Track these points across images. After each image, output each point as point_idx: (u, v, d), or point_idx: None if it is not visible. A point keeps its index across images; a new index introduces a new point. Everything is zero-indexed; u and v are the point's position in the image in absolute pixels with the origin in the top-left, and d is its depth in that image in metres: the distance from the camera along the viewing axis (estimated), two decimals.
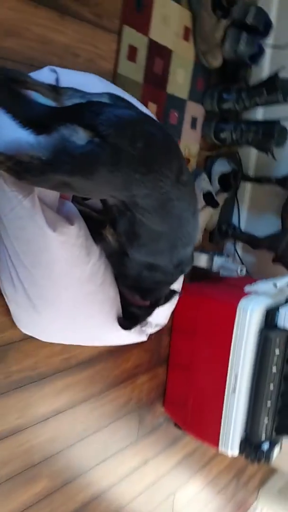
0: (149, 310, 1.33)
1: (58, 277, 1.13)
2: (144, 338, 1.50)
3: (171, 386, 1.96)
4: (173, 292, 1.37)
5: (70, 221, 1.11)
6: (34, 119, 0.91)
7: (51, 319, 1.21)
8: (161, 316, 1.52)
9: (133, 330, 1.40)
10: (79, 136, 0.88)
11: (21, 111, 0.91)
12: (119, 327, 1.33)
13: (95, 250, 1.20)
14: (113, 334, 1.35)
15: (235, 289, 1.86)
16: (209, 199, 1.74)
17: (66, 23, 1.23)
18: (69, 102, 0.99)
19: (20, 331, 1.29)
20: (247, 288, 1.79)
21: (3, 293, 1.22)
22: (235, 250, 2.03)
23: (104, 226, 1.15)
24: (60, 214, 1.11)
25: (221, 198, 1.81)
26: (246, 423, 1.75)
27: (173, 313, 1.90)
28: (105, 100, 0.96)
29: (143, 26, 1.44)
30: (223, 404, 1.75)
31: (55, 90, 1.02)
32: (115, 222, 1.11)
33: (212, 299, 1.77)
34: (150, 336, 1.82)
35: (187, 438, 2.18)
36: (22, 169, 0.93)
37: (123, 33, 1.38)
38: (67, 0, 1.22)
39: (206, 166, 1.81)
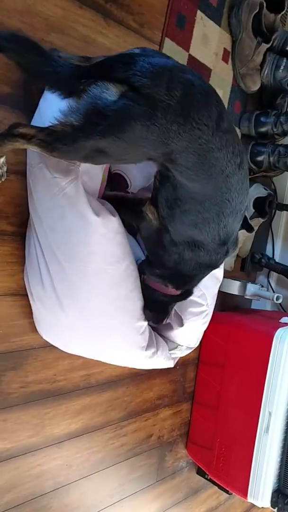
0: (181, 298, 1.22)
1: (92, 274, 1.06)
2: (171, 364, 1.38)
3: (196, 425, 1.80)
4: (190, 293, 1.25)
5: (112, 213, 1.06)
6: (64, 80, 0.87)
7: (76, 321, 1.12)
8: (192, 337, 1.41)
9: (160, 353, 1.29)
10: (110, 92, 0.83)
11: (51, 73, 0.87)
12: (143, 347, 1.22)
13: (130, 253, 1.13)
14: (135, 354, 1.24)
15: (269, 320, 1.74)
16: (244, 222, 1.68)
17: (109, 27, 1.24)
18: (99, 59, 0.95)
19: (40, 338, 1.21)
20: (283, 319, 1.67)
21: (28, 291, 1.15)
22: (269, 282, 1.93)
23: (144, 203, 1.08)
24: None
25: (255, 223, 1.74)
26: (279, 471, 1.57)
27: (200, 343, 1.80)
28: (136, 51, 0.90)
29: (184, 41, 1.45)
30: (253, 447, 1.58)
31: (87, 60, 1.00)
32: (155, 196, 1.04)
33: (246, 327, 1.65)
34: (176, 366, 1.71)
35: (210, 489, 1.97)
36: (54, 139, 0.88)
37: (163, 44, 1.39)
38: (112, 6, 1.24)
39: None
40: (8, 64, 1.04)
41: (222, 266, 1.37)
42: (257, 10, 1.53)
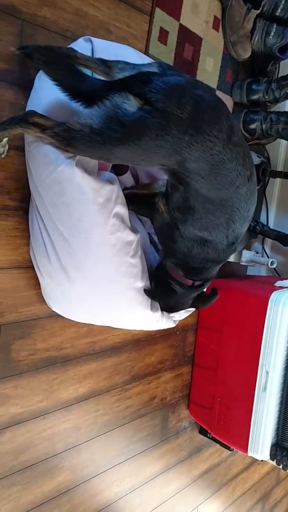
0: (190, 292, 1.27)
1: (95, 245, 1.10)
2: (172, 324, 1.44)
3: (197, 386, 1.88)
4: (215, 293, 1.32)
5: (110, 182, 1.10)
6: (87, 91, 0.93)
7: (84, 293, 1.17)
8: None
9: (160, 316, 1.35)
10: (131, 104, 0.90)
11: (76, 84, 0.94)
12: (145, 310, 1.28)
13: (131, 219, 1.18)
14: (141, 315, 1.30)
15: (265, 284, 1.80)
16: None
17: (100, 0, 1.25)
18: (120, 75, 1.02)
19: (47, 308, 1.26)
20: (278, 283, 1.73)
21: (35, 266, 1.19)
22: (263, 248, 1.98)
23: (156, 195, 1.15)
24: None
25: None
26: (277, 426, 1.65)
27: (198, 309, 1.86)
28: (154, 69, 0.99)
29: (174, 11, 1.45)
30: (252, 405, 1.66)
31: (104, 63, 1.05)
32: (167, 195, 1.11)
33: (241, 291, 1.71)
34: (176, 331, 1.78)
35: (212, 448, 2.07)
36: (71, 136, 0.94)
37: (154, 15, 1.39)
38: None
39: None
40: (1, 40, 1.06)
41: None
42: None
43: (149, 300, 1.27)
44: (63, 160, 1.02)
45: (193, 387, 1.89)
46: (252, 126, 1.72)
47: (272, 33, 1.64)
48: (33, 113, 0.96)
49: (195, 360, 1.88)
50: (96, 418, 1.49)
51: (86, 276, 1.14)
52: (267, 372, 1.62)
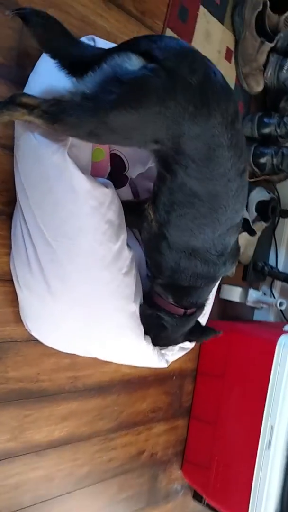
0: (182, 324, 1.13)
1: (82, 253, 0.98)
2: (164, 364, 1.28)
3: (193, 443, 1.67)
4: (212, 331, 1.18)
5: (105, 185, 0.99)
6: (87, 61, 0.84)
7: (66, 307, 1.03)
8: None
9: (152, 349, 1.19)
10: (132, 63, 0.80)
11: (75, 53, 0.87)
12: (137, 338, 1.13)
13: (124, 233, 1.06)
14: (132, 345, 1.14)
15: (272, 328, 1.64)
16: (246, 225, 1.60)
17: (110, 11, 1.21)
18: None
19: (24, 331, 1.11)
20: (287, 327, 1.57)
21: (14, 277, 1.06)
22: (272, 292, 1.84)
23: (147, 201, 1.03)
24: None
25: (258, 228, 1.67)
26: (282, 490, 1.43)
27: (199, 353, 1.69)
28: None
29: (185, 35, 1.42)
30: (254, 465, 1.45)
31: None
32: (154, 200, 0.99)
33: (246, 333, 1.55)
34: (172, 376, 1.60)
35: None
36: (60, 109, 0.84)
37: (165, 34, 1.35)
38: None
39: None
40: (0, 33, 1.00)
41: None
42: (260, 9, 1.51)
43: (142, 327, 1.12)
44: (54, 154, 0.92)
45: (188, 444, 1.68)
46: (263, 160, 1.64)
47: (285, 68, 1.60)
48: (21, 93, 0.88)
49: (192, 412, 1.69)
50: (73, 469, 1.29)
51: (69, 288, 1.01)
52: (271, 427, 1.42)
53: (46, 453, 1.21)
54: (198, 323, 1.17)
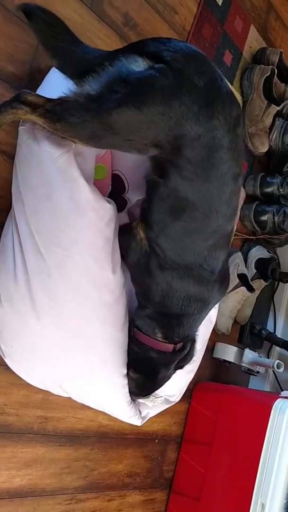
0: (172, 360, 1.03)
1: (74, 267, 0.92)
2: (138, 422, 1.15)
3: None
4: (192, 342, 1.08)
5: (107, 200, 0.96)
6: (89, 63, 0.85)
7: (48, 327, 0.95)
8: (173, 387, 1.18)
9: (128, 400, 1.07)
10: (138, 64, 0.81)
11: (77, 53, 0.87)
12: (123, 371, 1.02)
13: (119, 256, 1.01)
14: (113, 383, 1.03)
15: (267, 393, 1.50)
16: (244, 280, 1.54)
17: None
18: None
19: None
20: (284, 393, 1.44)
21: None
22: (268, 358, 1.72)
23: (136, 220, 1.00)
24: None
25: (257, 286, 1.60)
26: None
27: (186, 418, 1.54)
28: None
29: None
30: None
31: None
32: (145, 213, 0.96)
33: (239, 396, 1.42)
34: (155, 439, 1.44)
35: None
36: (63, 109, 0.83)
37: None
38: (130, 31, 1.26)
39: (242, 248, 1.66)
40: (17, 46, 1.03)
41: (216, 307, 1.21)
42: (268, 73, 1.58)
43: (126, 360, 1.01)
44: (59, 158, 0.89)
45: None
46: (264, 217, 1.63)
47: None
48: (27, 91, 0.87)
49: (173, 484, 1.49)
50: None
51: (55, 305, 0.93)
52: (263, 505, 1.24)
53: (0, 503, 1.04)
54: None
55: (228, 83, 0.87)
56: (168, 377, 1.05)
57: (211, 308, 1.04)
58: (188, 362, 1.08)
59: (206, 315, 1.04)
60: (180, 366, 1.06)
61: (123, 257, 1.07)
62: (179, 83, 0.79)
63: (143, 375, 1.04)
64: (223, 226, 0.92)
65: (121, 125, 0.81)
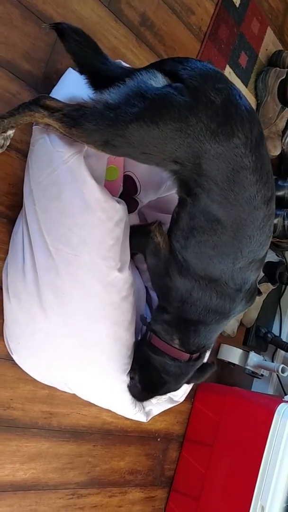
0: (186, 370, 1.00)
1: (83, 266, 0.93)
2: (143, 418, 1.14)
3: None
4: (209, 366, 1.08)
5: (117, 201, 0.96)
6: (112, 77, 0.85)
7: (54, 325, 0.95)
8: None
9: (132, 399, 1.07)
10: (157, 80, 0.82)
11: (101, 68, 0.89)
12: (121, 377, 1.02)
13: (129, 256, 1.01)
14: (116, 382, 1.03)
15: (270, 396, 1.51)
16: None
17: (140, 48, 1.26)
18: None
19: (3, 347, 1.02)
20: (287, 397, 1.44)
21: (5, 286, 1.00)
22: (273, 361, 1.73)
23: (153, 223, 1.00)
24: None
25: (264, 289, 1.60)
26: None
27: (189, 417, 1.55)
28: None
29: None
30: None
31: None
32: (171, 228, 0.96)
33: (242, 398, 1.42)
34: (157, 437, 1.45)
35: None
36: (80, 114, 0.84)
37: None
38: (146, 31, 1.26)
39: None
40: (34, 44, 1.03)
41: None
42: (284, 77, 1.57)
43: (131, 359, 1.02)
44: (69, 159, 0.90)
45: None
46: (274, 221, 1.62)
47: None
48: (46, 96, 0.89)
49: (174, 483, 1.51)
50: None
51: (62, 303, 0.94)
52: (262, 507, 1.25)
53: (4, 496, 1.05)
54: None
55: (246, 99, 0.86)
56: (175, 389, 1.04)
57: (230, 320, 1.02)
58: (197, 379, 1.05)
59: (224, 326, 1.02)
60: (189, 381, 1.04)
61: (133, 256, 1.09)
62: (195, 101, 0.79)
63: (149, 381, 1.01)
64: (256, 252, 0.90)
65: (137, 138, 0.82)
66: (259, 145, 0.83)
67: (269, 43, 1.66)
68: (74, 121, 0.84)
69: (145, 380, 1.01)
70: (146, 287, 1.16)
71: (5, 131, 0.94)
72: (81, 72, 0.91)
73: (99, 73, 0.90)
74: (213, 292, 0.92)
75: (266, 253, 0.96)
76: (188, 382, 1.06)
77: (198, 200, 0.86)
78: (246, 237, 0.87)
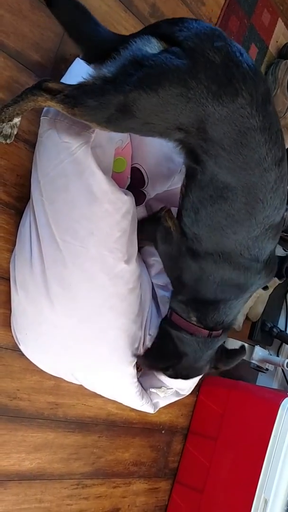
0: (206, 348, 0.99)
1: (90, 258, 0.93)
2: (151, 409, 1.15)
3: (174, 511, 1.48)
4: (239, 352, 1.07)
5: (124, 192, 0.96)
6: (108, 45, 0.84)
7: (61, 316, 0.96)
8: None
9: (136, 385, 1.07)
10: (152, 46, 0.79)
11: (96, 36, 0.87)
12: (132, 362, 1.03)
13: (136, 248, 1.01)
14: (123, 373, 1.04)
15: (275, 391, 1.51)
16: None
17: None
18: None
19: (11, 338, 1.03)
20: None
21: (12, 278, 1.00)
22: (278, 356, 1.73)
23: (162, 209, 0.98)
24: None
25: (271, 284, 1.60)
26: None
27: (193, 410, 1.55)
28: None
29: None
30: None
31: None
32: (180, 204, 0.93)
33: (247, 392, 1.43)
34: (161, 429, 1.46)
35: None
36: (81, 92, 0.82)
37: None
38: (156, 21, 1.25)
39: None
40: (42, 34, 1.02)
41: None
42: None
43: (136, 350, 1.02)
44: (77, 150, 0.90)
45: (169, 511, 1.49)
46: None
47: None
48: (47, 79, 0.87)
49: (178, 475, 1.52)
50: (36, 511, 1.13)
51: (69, 295, 0.94)
52: (266, 501, 1.25)
53: (10, 485, 1.06)
54: (220, 346, 1.04)
55: (248, 55, 0.80)
56: (200, 371, 1.03)
57: (251, 294, 0.99)
58: (225, 365, 1.05)
59: (245, 302, 1.00)
60: (215, 366, 1.03)
61: (140, 249, 1.09)
62: (193, 63, 0.75)
63: (173, 359, 1.00)
64: (271, 217, 0.86)
65: (138, 108, 0.79)
66: (265, 103, 0.78)
67: (280, 35, 1.64)
68: (76, 100, 0.82)
69: (161, 349, 1.01)
70: (152, 283, 1.16)
71: (11, 119, 0.94)
72: (76, 43, 0.90)
73: (94, 44, 0.88)
74: (228, 265, 0.89)
75: (283, 218, 0.91)
76: (216, 368, 1.05)
77: (206, 168, 0.83)
78: (259, 202, 0.83)
